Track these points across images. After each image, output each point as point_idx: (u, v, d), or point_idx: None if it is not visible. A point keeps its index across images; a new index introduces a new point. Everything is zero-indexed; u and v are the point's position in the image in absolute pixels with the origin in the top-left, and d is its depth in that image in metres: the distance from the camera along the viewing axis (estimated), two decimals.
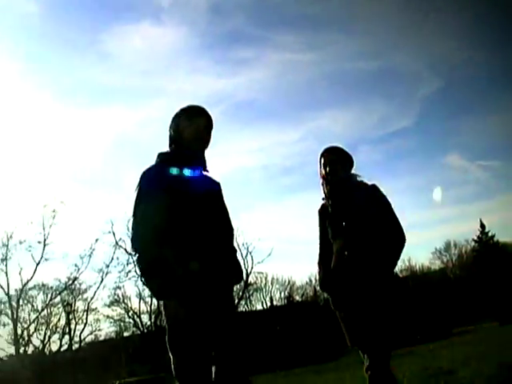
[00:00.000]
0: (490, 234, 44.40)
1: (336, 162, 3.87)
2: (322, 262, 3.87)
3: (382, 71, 67.61)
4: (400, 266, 54.72)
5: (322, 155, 3.93)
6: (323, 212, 3.95)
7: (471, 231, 49.32)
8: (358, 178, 3.92)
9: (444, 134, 69.55)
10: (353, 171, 3.96)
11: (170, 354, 3.01)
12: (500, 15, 62.19)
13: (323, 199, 3.95)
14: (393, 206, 3.78)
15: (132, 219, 3.09)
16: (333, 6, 60.77)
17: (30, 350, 36.14)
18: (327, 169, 3.86)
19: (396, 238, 3.72)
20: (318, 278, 3.95)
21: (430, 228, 79.12)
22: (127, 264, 31.41)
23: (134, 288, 40.95)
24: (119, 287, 36.45)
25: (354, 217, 3.71)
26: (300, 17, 64.32)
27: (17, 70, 56.53)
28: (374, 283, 3.58)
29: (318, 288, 40.17)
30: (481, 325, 38.30)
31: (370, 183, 3.86)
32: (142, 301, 38.88)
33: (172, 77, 62.07)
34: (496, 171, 68.14)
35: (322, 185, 3.93)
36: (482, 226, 44.55)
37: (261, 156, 69.89)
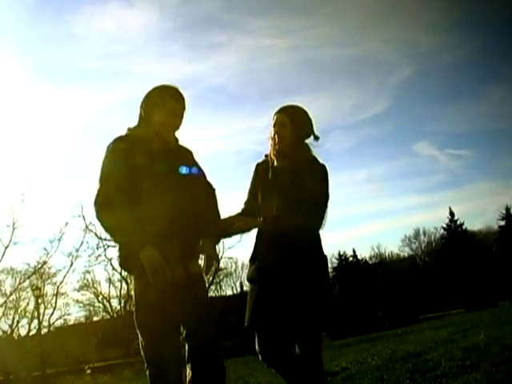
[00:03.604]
0: (458, 223, 45.09)
1: (286, 126, 3.28)
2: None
3: (354, 58, 68.10)
4: (370, 252, 55.42)
5: (275, 114, 3.34)
6: (262, 170, 3.43)
7: (440, 219, 50.21)
8: (312, 153, 3.38)
9: (414, 121, 70.63)
10: (308, 141, 3.39)
11: (138, 334, 2.91)
12: (471, 1, 62.96)
13: (266, 156, 3.44)
14: (327, 194, 3.31)
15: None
16: None
17: None
18: (274, 134, 3.31)
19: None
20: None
21: (400, 215, 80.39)
22: (97, 248, 30.98)
23: (104, 272, 40.67)
24: (89, 271, 36.03)
25: (288, 194, 3.23)
26: (272, 2, 64.14)
27: None
28: (302, 256, 3.18)
29: None
30: (449, 311, 38.96)
31: (321, 161, 3.34)
32: (111, 285, 38.62)
33: (141, 60, 61.55)
34: (465, 160, 69.40)
35: (271, 146, 3.37)
36: (452, 214, 45.22)
37: (232, 141, 69.83)
